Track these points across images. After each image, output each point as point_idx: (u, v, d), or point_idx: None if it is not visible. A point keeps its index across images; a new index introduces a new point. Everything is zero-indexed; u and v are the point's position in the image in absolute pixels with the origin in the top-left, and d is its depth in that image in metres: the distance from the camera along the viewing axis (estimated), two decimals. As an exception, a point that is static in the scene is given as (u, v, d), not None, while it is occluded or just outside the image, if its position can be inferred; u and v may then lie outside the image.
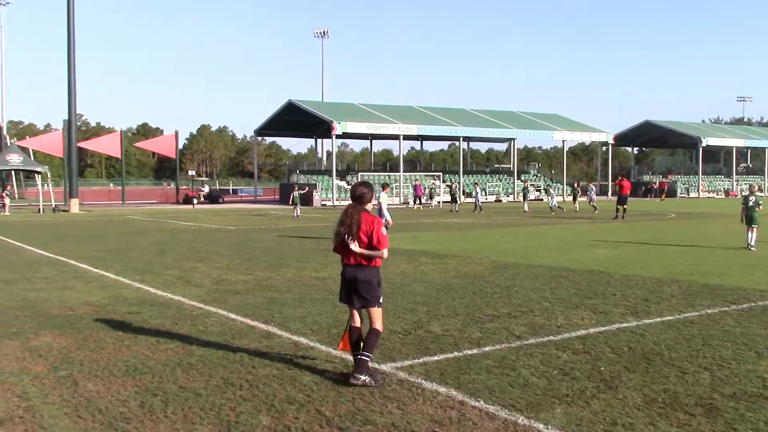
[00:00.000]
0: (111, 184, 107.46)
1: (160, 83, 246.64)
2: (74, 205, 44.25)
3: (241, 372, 6.90)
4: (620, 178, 36.61)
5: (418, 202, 47.35)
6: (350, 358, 6.88)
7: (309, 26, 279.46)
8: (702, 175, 75.92)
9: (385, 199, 20.47)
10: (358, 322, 6.75)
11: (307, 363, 7.24)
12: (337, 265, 14.83)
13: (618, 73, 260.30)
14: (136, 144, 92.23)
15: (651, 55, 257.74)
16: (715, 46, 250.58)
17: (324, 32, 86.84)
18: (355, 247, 6.55)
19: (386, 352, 7.60)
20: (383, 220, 16.81)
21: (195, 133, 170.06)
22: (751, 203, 18.92)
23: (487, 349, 7.77)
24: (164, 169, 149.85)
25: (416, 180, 52.60)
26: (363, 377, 6.42)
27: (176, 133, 60.89)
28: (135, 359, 7.40)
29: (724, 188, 77.08)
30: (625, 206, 32.99)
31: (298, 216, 36.24)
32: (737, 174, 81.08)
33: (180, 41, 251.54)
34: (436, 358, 7.41)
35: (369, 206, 6.84)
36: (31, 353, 7.70)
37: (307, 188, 41.78)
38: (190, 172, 65.68)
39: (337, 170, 57.36)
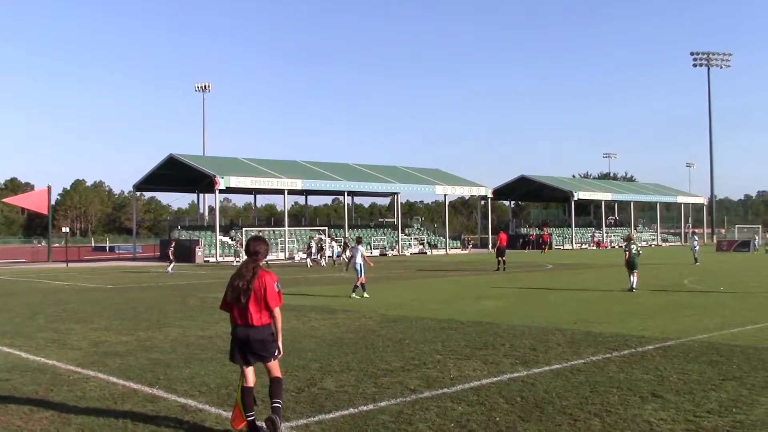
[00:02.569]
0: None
1: (30, 136, 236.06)
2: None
3: (125, 439, 6.49)
4: (500, 231, 38.01)
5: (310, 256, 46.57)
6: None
7: (190, 80, 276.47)
8: (575, 227, 79.46)
9: (363, 252, 21.42)
10: (251, 382, 6.51)
11: (198, 426, 6.91)
12: (223, 324, 14.47)
13: (494, 130, 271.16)
14: (5, 200, 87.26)
15: (524, 114, 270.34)
16: (583, 107, 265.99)
17: (205, 86, 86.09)
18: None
19: (281, 411, 7.34)
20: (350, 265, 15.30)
21: (69, 188, 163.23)
22: (633, 251, 20.44)
23: (382, 404, 7.67)
24: (35, 226, 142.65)
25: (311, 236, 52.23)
26: (280, 426, 6.30)
27: (49, 188, 58.17)
28: (6, 430, 6.82)
29: (596, 240, 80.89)
30: (503, 258, 34.08)
31: (169, 272, 35.85)
32: (606, 226, 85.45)
33: (54, 92, 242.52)
34: (331, 415, 7.24)
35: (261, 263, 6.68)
36: None
37: (173, 243, 41.19)
38: (63, 229, 62.55)
39: (220, 225, 56.28)
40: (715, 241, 78.07)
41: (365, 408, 7.50)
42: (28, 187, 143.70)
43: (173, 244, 40.08)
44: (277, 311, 6.49)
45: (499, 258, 34.10)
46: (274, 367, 6.53)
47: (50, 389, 8.65)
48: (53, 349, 11.72)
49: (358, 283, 20.58)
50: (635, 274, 20.68)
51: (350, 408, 7.50)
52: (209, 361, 10.40)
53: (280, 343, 6.60)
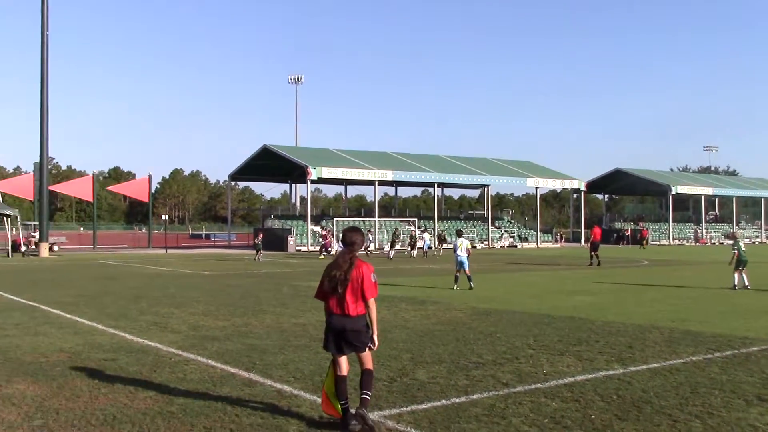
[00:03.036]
0: (81, 228, 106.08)
1: (133, 127, 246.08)
2: (44, 249, 43.53)
3: (224, 421, 6.69)
4: (595, 227, 37.06)
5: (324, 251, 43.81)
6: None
7: (283, 72, 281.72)
8: (672, 222, 76.87)
9: (462, 244, 20.73)
10: (344, 371, 6.57)
11: (292, 411, 7.05)
12: (316, 312, 14.72)
13: (589, 122, 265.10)
14: (109, 188, 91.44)
15: (621, 104, 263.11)
16: (682, 98, 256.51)
17: (298, 78, 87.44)
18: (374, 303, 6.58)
19: (373, 401, 7.41)
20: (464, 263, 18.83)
21: (168, 177, 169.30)
22: (743, 249, 20.42)
23: (474, 396, 7.64)
24: (136, 213, 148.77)
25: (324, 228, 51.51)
26: (370, 419, 6.38)
27: (149, 177, 60.55)
28: (113, 408, 7.15)
29: (694, 235, 78.05)
30: (597, 252, 33.21)
31: (259, 261, 36.79)
32: (706, 222, 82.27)
33: (153, 85, 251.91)
34: (423, 406, 7.26)
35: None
36: (3, 401, 7.41)
37: (261, 235, 42.55)
38: (163, 217, 64.88)
39: (311, 215, 57.20)
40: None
41: (457, 400, 7.49)
42: (130, 176, 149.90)
43: (261, 236, 41.52)
44: (372, 302, 6.52)
45: (593, 253, 33.30)
46: (367, 358, 6.56)
47: (153, 370, 9.01)
48: (155, 332, 12.19)
49: (458, 274, 20.31)
50: (743, 272, 20.04)
51: (442, 399, 7.50)
52: (303, 348, 10.60)
53: (375, 336, 6.63)
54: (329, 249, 42.34)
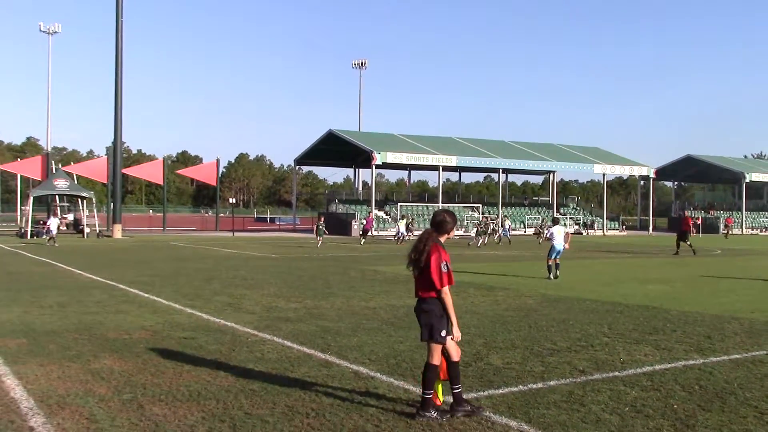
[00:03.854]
0: (151, 211, 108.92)
1: (200, 112, 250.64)
2: (117, 231, 44.87)
3: (305, 400, 6.82)
4: (684, 214, 36.16)
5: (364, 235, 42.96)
6: (413, 389, 6.79)
7: (347, 58, 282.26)
8: (746, 211, 74.53)
9: (560, 231, 20.15)
10: (454, 356, 6.39)
11: (371, 392, 7.14)
12: (385, 295, 14.85)
13: (660, 107, 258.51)
14: (178, 171, 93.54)
15: (692, 89, 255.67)
16: (757, 79, 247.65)
17: (362, 63, 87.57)
18: (449, 291, 6.30)
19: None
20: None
21: (233, 161, 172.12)
22: None
23: (552, 383, 7.60)
24: (202, 196, 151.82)
25: (369, 212, 51.00)
26: (427, 413, 6.26)
27: (217, 161, 61.68)
28: (197, 384, 7.36)
29: (766, 225, 75.54)
30: (687, 242, 32.22)
31: (319, 246, 34.97)
32: (781, 210, 79.50)
33: (220, 71, 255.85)
34: (500, 391, 7.26)
35: (444, 237, 6.53)
36: (93, 376, 7.71)
37: (322, 218, 40.64)
38: (230, 200, 66.07)
39: (375, 200, 57.44)
40: None
41: (534, 386, 7.46)
42: (197, 160, 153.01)
43: (322, 219, 39.15)
44: (444, 291, 6.26)
45: (682, 242, 32.33)
46: (431, 348, 6.30)
47: (232, 349, 9.23)
48: (230, 312, 12.47)
49: (551, 263, 19.59)
50: None
51: (519, 385, 7.49)
52: (375, 330, 10.70)
53: (455, 328, 6.34)
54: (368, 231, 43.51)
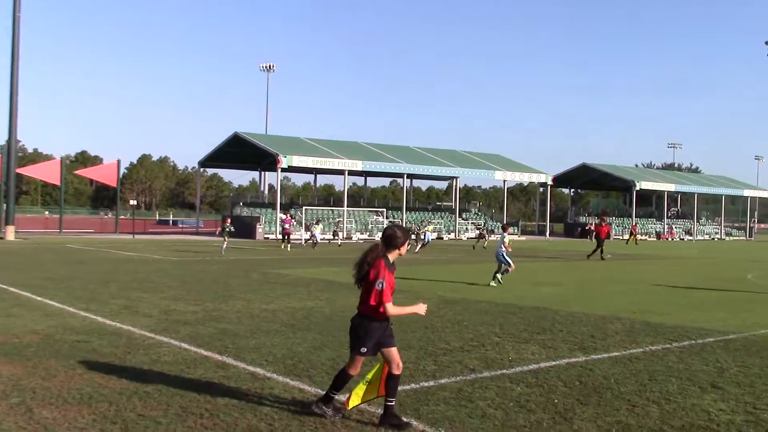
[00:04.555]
0: (47, 212, 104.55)
1: (100, 111, 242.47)
2: (10, 233, 42.96)
3: (199, 401, 6.86)
4: (600, 221, 37.43)
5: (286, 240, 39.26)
6: (308, 389, 6.92)
7: (254, 60, 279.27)
8: (635, 217, 78.11)
9: (507, 239, 19.64)
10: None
11: (266, 393, 7.24)
12: (286, 298, 14.92)
13: (555, 117, 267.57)
14: (77, 172, 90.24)
15: (587, 102, 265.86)
16: (647, 95, 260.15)
17: (270, 66, 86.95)
18: (391, 308, 6.24)
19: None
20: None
21: (135, 162, 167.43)
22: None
23: (442, 381, 7.90)
24: (102, 198, 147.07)
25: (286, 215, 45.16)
26: (325, 408, 6.44)
27: (118, 161, 59.94)
28: (89, 387, 7.28)
29: (656, 231, 79.39)
30: (601, 247, 33.99)
31: (224, 249, 31.98)
32: (668, 218, 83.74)
33: (122, 70, 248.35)
34: (393, 389, 7.49)
35: (395, 253, 6.43)
36: (-21, 380, 7.50)
37: (228, 219, 35.66)
38: (131, 202, 64.29)
39: (280, 203, 57.14)
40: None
41: (426, 384, 7.74)
42: (97, 161, 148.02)
43: (228, 221, 35.00)
44: (386, 309, 6.21)
45: (600, 247, 33.98)
46: (353, 358, 6.46)
47: (127, 352, 9.13)
48: (126, 315, 12.27)
49: (503, 270, 19.27)
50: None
51: (411, 384, 7.75)
52: (274, 333, 10.78)
53: (415, 308, 6.46)
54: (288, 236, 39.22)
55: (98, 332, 10.56)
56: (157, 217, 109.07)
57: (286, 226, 39.61)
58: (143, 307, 13.43)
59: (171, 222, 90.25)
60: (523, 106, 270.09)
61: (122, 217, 63.58)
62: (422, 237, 40.77)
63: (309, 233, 42.72)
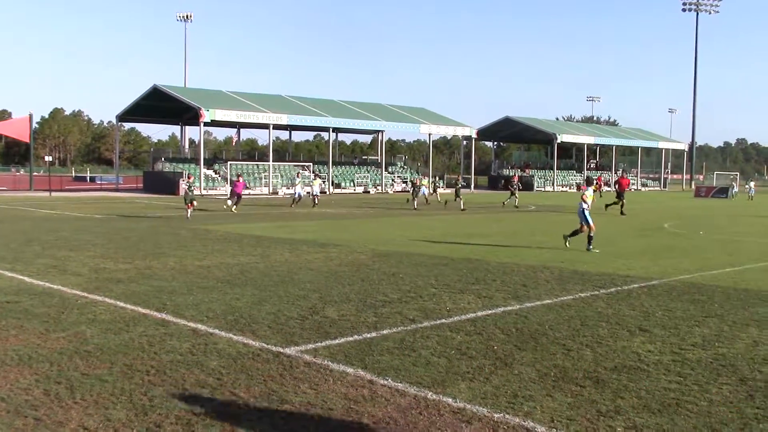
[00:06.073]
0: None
1: (9, 63, 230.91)
2: None
3: (143, 358, 6.82)
4: (621, 176, 36.59)
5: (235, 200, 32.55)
6: (252, 343, 6.96)
7: (171, 9, 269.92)
8: (556, 170, 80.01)
9: (590, 197, 17.15)
10: None
11: (210, 349, 7.24)
12: (219, 254, 14.78)
13: (478, 69, 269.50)
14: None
15: (509, 54, 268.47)
16: (568, 48, 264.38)
17: (187, 16, 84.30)
18: None
19: (288, 337, 7.72)
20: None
21: (47, 116, 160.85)
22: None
23: (384, 332, 8.05)
24: (13, 154, 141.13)
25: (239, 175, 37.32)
26: None
27: (30, 115, 57.43)
28: (26, 348, 7.13)
29: (576, 183, 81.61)
30: (623, 200, 32.73)
31: (189, 218, 25.79)
32: (588, 169, 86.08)
33: (29, 18, 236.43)
34: (337, 341, 7.61)
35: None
36: None
37: (191, 177, 30.25)
38: (47, 158, 61.91)
39: (203, 159, 56.06)
40: (693, 187, 78.89)
41: (369, 335, 7.88)
42: (5, 115, 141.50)
43: (192, 178, 29.03)
44: None
45: (618, 201, 32.60)
46: None
47: (61, 312, 8.93)
48: (55, 275, 11.96)
49: (586, 232, 16.87)
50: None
51: (354, 335, 7.88)
52: (211, 289, 10.71)
53: None
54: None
55: (28, 292, 10.27)
56: (74, 174, 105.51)
57: (239, 189, 33.32)
58: (71, 265, 13.10)
59: (88, 179, 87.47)
60: (447, 60, 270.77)
61: (36, 173, 61.27)
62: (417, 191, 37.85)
63: (304, 191, 38.68)
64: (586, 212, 16.87)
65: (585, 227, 16.90)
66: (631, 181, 54.28)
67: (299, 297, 10.12)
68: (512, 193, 38.36)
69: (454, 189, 37.62)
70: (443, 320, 8.71)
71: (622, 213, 31.38)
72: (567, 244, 17.01)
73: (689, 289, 11.21)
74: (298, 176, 41.58)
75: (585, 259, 15.02)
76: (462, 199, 36.05)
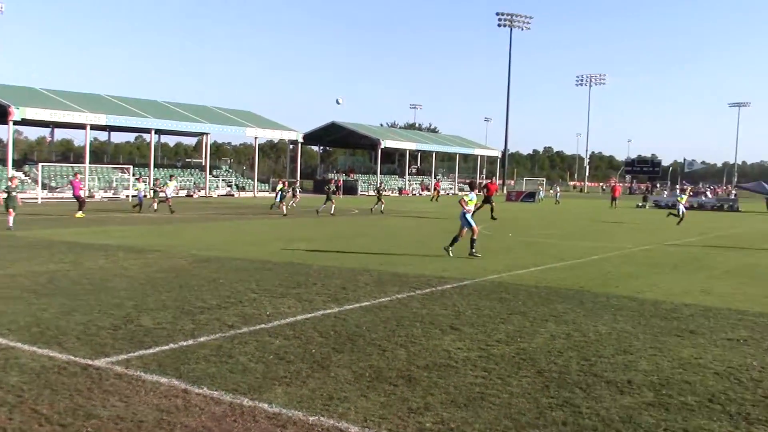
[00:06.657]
0: None
1: None
2: None
3: (-67, 377, 6.30)
4: (489, 181, 37.25)
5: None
6: (59, 356, 6.63)
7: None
8: (380, 174, 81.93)
9: (472, 201, 17.11)
10: None
11: (11, 364, 6.82)
12: (26, 262, 13.87)
13: (307, 77, 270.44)
14: None
15: (338, 60, 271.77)
16: (392, 57, 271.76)
17: (-5, 7, 78.10)
18: None
19: (98, 348, 7.42)
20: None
21: None
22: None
23: (202, 339, 7.94)
24: None
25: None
26: None
27: None
28: None
29: (398, 187, 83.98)
30: (490, 204, 33.61)
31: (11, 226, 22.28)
32: (409, 174, 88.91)
33: None
34: (151, 350, 7.41)
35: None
36: None
37: (15, 180, 26.06)
38: None
39: (12, 159, 52.16)
40: (505, 191, 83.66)
41: (185, 343, 7.74)
42: None
43: (14, 181, 26.06)
44: None
45: (489, 205, 33.41)
46: None
47: None
48: None
49: (468, 236, 16.99)
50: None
51: (170, 343, 7.71)
52: (16, 299, 10.05)
53: None
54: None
55: None
56: None
57: (79, 191, 32.08)
58: None
59: None
60: (276, 65, 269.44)
61: None
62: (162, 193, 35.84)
63: (158, 193, 36.24)
64: (468, 215, 16.87)
65: (465, 231, 16.92)
66: (498, 187, 55.90)
67: (112, 306, 9.73)
68: (379, 198, 38.23)
69: (325, 194, 35.27)
70: (262, 325, 8.72)
71: (492, 217, 32.38)
72: (450, 253, 16.62)
73: (497, 288, 11.94)
74: (139, 180, 39.62)
75: (404, 261, 15.55)
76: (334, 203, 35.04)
